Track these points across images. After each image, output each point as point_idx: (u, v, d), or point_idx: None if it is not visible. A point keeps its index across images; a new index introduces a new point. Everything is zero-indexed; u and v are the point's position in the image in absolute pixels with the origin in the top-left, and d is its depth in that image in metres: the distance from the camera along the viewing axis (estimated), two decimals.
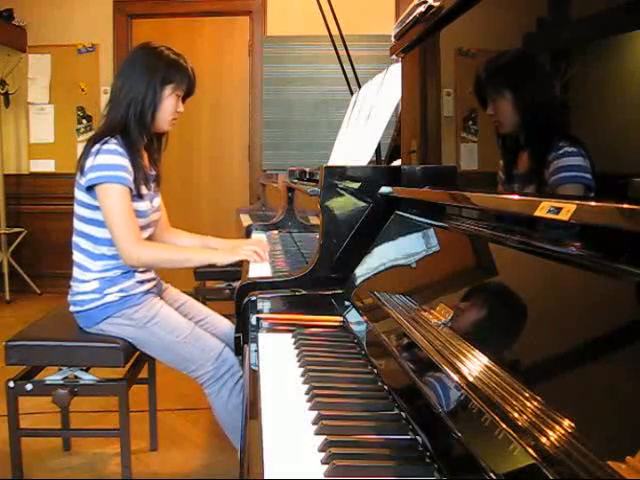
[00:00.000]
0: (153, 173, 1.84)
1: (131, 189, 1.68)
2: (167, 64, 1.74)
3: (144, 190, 1.75)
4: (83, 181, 1.68)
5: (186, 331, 1.72)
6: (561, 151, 0.73)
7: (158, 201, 1.88)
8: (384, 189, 1.25)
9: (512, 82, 0.86)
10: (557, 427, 0.49)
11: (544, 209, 0.62)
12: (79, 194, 1.72)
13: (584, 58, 0.71)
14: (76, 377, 1.74)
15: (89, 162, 1.65)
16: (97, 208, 1.69)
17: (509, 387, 0.58)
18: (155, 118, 1.75)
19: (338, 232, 1.28)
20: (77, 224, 1.75)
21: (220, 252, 1.82)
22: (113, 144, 1.66)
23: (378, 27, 3.96)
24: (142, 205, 1.75)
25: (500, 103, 0.90)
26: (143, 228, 1.77)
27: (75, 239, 1.76)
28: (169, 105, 1.76)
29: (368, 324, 1.02)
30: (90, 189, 1.67)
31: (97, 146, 1.66)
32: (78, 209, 1.74)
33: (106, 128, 1.72)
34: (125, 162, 1.67)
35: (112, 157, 1.65)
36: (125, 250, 1.66)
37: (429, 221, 1.03)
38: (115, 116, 1.72)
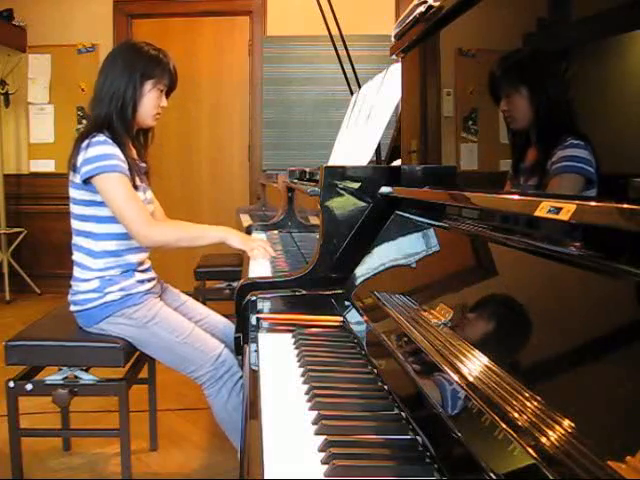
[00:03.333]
0: (143, 165, 1.85)
1: (127, 176, 1.69)
2: (147, 59, 1.76)
3: (138, 181, 1.76)
4: (77, 178, 1.68)
5: (186, 331, 1.71)
6: (567, 143, 0.73)
7: (150, 194, 1.89)
8: (384, 189, 1.25)
9: (525, 78, 0.86)
10: (557, 427, 0.49)
11: (544, 209, 0.62)
12: (75, 193, 1.72)
13: (588, 58, 0.71)
14: (76, 377, 1.74)
15: (81, 157, 1.66)
16: (94, 204, 1.70)
17: (509, 387, 0.58)
18: (137, 113, 1.77)
19: (338, 232, 1.28)
20: (75, 224, 1.75)
21: (233, 232, 1.81)
22: (102, 136, 1.67)
23: (378, 27, 3.96)
24: (139, 195, 1.76)
25: (513, 99, 0.89)
26: None
27: (75, 239, 1.76)
28: (151, 100, 1.77)
29: (368, 324, 1.02)
30: (87, 182, 1.67)
31: (86, 141, 1.67)
32: (75, 208, 1.74)
33: (92, 125, 1.73)
34: (117, 151, 1.68)
35: (104, 147, 1.66)
36: (140, 232, 1.67)
37: (429, 221, 1.03)
38: (99, 113, 1.73)
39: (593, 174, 0.69)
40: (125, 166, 1.68)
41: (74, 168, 1.68)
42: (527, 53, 0.83)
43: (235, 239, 1.77)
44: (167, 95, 1.83)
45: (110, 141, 1.67)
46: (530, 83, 0.82)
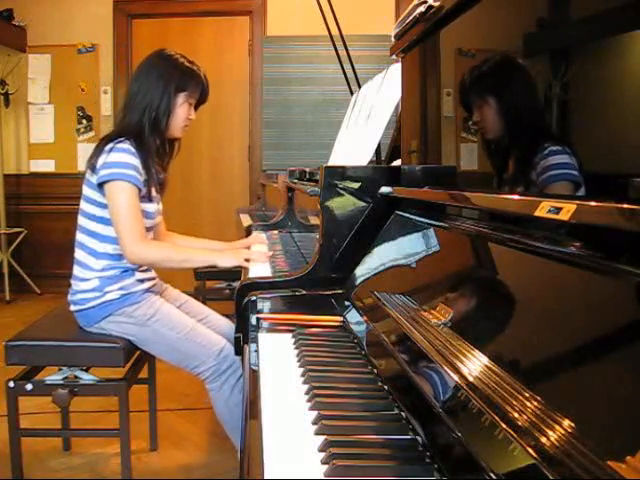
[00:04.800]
0: (162, 176, 1.86)
1: (140, 189, 1.69)
2: (182, 72, 1.77)
3: (154, 192, 1.77)
4: (94, 179, 1.69)
5: (187, 327, 1.72)
6: (547, 151, 0.73)
7: (161, 205, 1.90)
8: (384, 189, 1.25)
9: (504, 85, 0.86)
10: (557, 427, 0.49)
11: (544, 209, 0.62)
12: (88, 192, 1.73)
13: (587, 57, 0.71)
14: (76, 377, 1.74)
15: (102, 159, 1.67)
16: (106, 206, 1.70)
17: (509, 387, 0.58)
18: (169, 125, 1.78)
19: (338, 232, 1.28)
20: (83, 221, 1.76)
21: (222, 254, 1.82)
22: (127, 144, 1.68)
23: (378, 27, 3.96)
24: (151, 207, 1.77)
25: (486, 108, 0.90)
26: (148, 230, 1.78)
27: (79, 236, 1.77)
28: (182, 112, 1.79)
29: (368, 324, 1.02)
30: (101, 186, 1.68)
31: (110, 144, 1.67)
32: (86, 206, 1.75)
33: (121, 130, 1.74)
34: (136, 162, 1.68)
35: (124, 155, 1.66)
36: (128, 248, 1.67)
37: (429, 221, 1.03)
38: (130, 120, 1.75)
39: (579, 177, 0.69)
40: (140, 179, 1.69)
41: (93, 168, 1.69)
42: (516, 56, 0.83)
43: (225, 260, 1.76)
44: (196, 107, 1.85)
45: (133, 150, 1.68)
46: (522, 86, 0.82)
